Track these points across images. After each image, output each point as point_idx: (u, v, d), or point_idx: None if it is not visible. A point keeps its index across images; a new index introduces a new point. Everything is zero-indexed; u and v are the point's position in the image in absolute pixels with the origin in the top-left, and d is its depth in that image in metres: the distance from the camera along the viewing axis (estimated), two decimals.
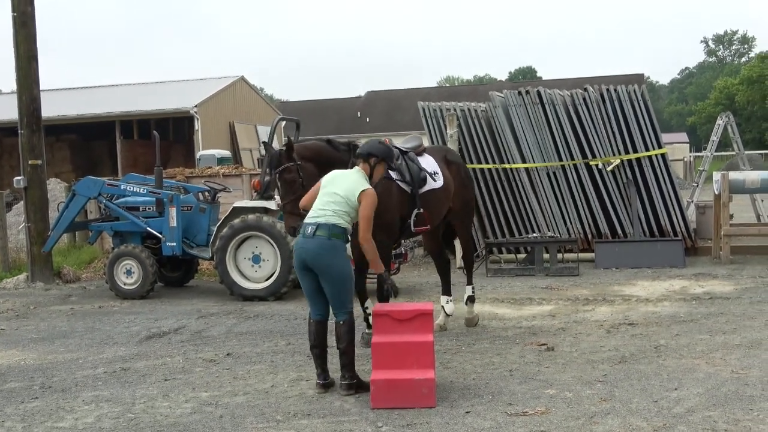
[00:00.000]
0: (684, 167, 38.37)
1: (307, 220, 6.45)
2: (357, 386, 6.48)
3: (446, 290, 9.02)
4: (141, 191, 12.27)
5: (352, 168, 6.95)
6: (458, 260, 12.48)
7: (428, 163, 8.33)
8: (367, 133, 42.52)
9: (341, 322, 6.48)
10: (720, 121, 16.23)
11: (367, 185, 6.55)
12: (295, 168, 7.33)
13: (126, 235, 12.43)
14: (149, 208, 12.26)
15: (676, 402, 5.95)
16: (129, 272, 11.98)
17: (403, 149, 8.26)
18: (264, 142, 7.97)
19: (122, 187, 12.44)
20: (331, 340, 6.79)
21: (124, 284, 12.02)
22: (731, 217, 15.37)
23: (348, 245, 7.96)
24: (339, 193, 6.46)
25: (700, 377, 6.58)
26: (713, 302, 9.96)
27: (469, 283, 9.23)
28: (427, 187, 8.12)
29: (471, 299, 9.18)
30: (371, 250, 6.49)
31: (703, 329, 8.41)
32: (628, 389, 6.30)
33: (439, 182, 8.28)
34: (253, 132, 34.45)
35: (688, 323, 8.74)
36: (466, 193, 8.91)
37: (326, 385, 6.61)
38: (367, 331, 8.24)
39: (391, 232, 7.73)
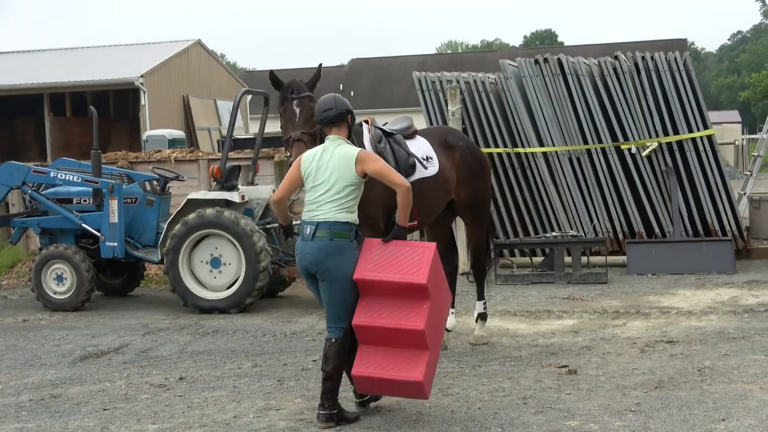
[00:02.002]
0: (735, 152, 38.55)
1: (305, 217, 6.56)
2: (338, 418, 6.52)
3: None
4: (75, 180, 12.24)
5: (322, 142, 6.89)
6: (461, 265, 12.49)
7: (419, 147, 8.33)
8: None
9: (333, 340, 6.52)
10: None
11: (355, 149, 6.62)
12: (316, 102, 7.29)
13: (56, 233, 12.40)
14: (85, 201, 12.23)
15: None
16: (60, 278, 11.96)
17: (388, 131, 8.25)
18: (270, 72, 7.94)
19: (52, 175, 12.39)
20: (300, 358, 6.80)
21: (54, 293, 11.99)
22: None
23: None
24: (332, 178, 6.51)
25: (752, 406, 6.62)
26: None
27: (480, 297, 9.26)
28: (416, 176, 8.11)
29: (482, 317, 9.22)
30: (409, 197, 6.54)
31: (756, 348, 8.47)
32: (667, 420, 6.34)
33: (432, 169, 8.27)
34: (212, 108, 34.40)
35: (738, 341, 8.80)
36: (477, 182, 8.85)
37: (331, 417, 6.58)
38: None
39: (376, 229, 7.73)
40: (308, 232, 6.45)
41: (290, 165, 7.13)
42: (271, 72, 7.84)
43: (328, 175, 6.52)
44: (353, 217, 6.52)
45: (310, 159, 6.66)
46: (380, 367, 6.36)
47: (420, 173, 8.17)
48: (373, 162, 6.59)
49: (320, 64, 7.98)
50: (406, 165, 8.02)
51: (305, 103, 7.42)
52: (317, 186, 6.53)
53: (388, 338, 6.34)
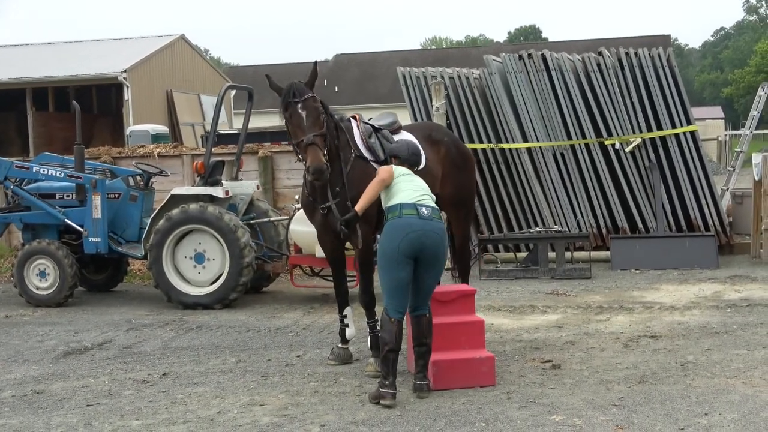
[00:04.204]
0: (718, 148, 38.78)
1: (411, 200, 6.98)
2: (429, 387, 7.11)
3: None
4: (58, 175, 12.19)
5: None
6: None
7: None
8: (336, 105, 42.44)
9: (427, 315, 7.12)
10: (762, 93, 16.39)
11: None
12: (319, 101, 7.49)
13: (39, 228, 12.34)
14: (68, 196, 12.18)
15: (707, 430, 6.03)
16: (43, 274, 11.91)
17: (376, 126, 8.27)
18: (267, 75, 7.88)
19: (34, 170, 12.34)
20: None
21: (37, 289, 11.94)
22: None
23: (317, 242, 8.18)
24: (424, 180, 7.33)
25: (735, 400, 6.67)
26: (752, 310, 10.08)
27: None
28: None
29: None
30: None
31: (739, 342, 8.52)
32: (650, 414, 6.38)
33: (419, 165, 8.28)
34: (196, 103, 34.30)
35: (721, 335, 8.85)
36: (461, 177, 8.84)
37: (396, 395, 6.85)
38: (339, 345, 8.26)
39: (371, 222, 7.79)
40: (426, 212, 6.94)
41: (308, 170, 7.23)
42: (269, 77, 7.72)
43: (419, 181, 7.27)
44: None
45: (403, 169, 7.31)
46: (455, 352, 7.25)
47: None
48: None
49: (315, 62, 7.90)
50: (408, 153, 7.79)
51: (310, 105, 7.38)
52: (418, 181, 7.22)
53: (453, 334, 7.31)
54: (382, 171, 7.22)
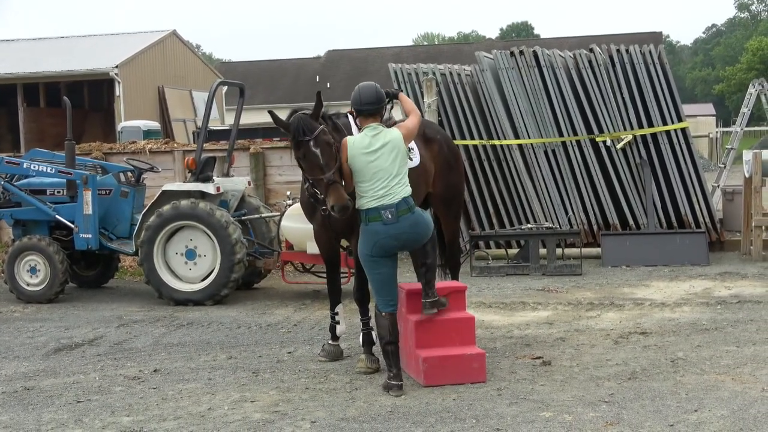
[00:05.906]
0: (709, 145, 38.82)
1: (374, 203, 7.01)
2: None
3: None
4: (49, 171, 12.16)
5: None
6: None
7: None
8: (328, 101, 42.40)
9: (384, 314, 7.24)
10: (752, 90, 16.45)
11: (394, 129, 7.34)
12: (328, 130, 7.38)
13: (30, 224, 12.31)
14: (59, 192, 12.15)
15: (696, 426, 6.05)
16: (33, 270, 11.88)
17: None
18: (270, 111, 7.69)
19: (25, 166, 12.32)
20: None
21: (28, 285, 11.91)
22: None
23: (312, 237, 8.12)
24: (394, 164, 7.11)
25: (724, 396, 6.69)
26: (742, 307, 10.11)
27: None
28: None
29: None
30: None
31: (729, 339, 8.55)
32: (640, 411, 6.39)
33: (415, 161, 8.29)
34: (188, 99, 34.27)
35: (711, 332, 8.87)
36: (452, 175, 8.91)
37: (402, 386, 7.02)
38: (330, 342, 8.26)
39: None
40: (390, 216, 6.98)
41: (332, 208, 7.06)
42: (272, 113, 7.50)
43: (389, 163, 7.10)
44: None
45: (359, 151, 7.12)
46: (446, 349, 7.29)
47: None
48: (406, 129, 7.40)
49: (318, 92, 7.65)
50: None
51: (322, 140, 7.19)
52: (378, 172, 7.05)
53: (444, 331, 7.37)
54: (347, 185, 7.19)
